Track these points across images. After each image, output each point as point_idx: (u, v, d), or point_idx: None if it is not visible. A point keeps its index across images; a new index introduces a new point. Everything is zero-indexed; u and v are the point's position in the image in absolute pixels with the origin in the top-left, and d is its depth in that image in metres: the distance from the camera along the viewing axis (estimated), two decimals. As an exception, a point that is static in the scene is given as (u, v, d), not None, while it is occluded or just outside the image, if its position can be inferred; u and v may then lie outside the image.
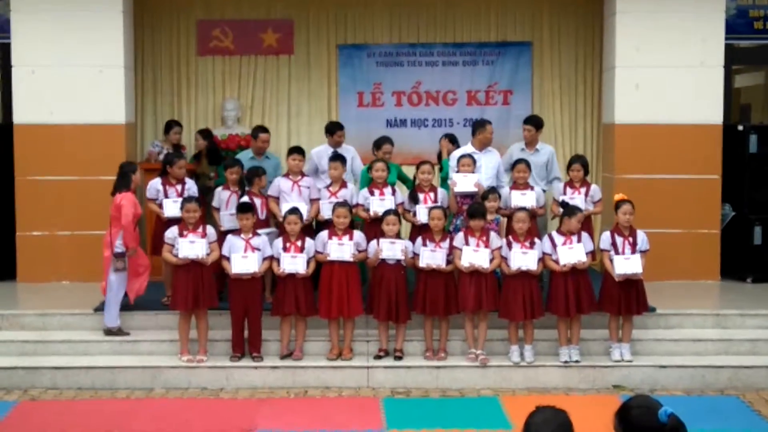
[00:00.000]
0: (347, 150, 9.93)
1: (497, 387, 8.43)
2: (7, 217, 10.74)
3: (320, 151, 9.96)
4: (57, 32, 10.52)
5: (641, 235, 8.58)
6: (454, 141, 10.11)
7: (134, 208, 8.90)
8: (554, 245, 8.49)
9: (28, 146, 10.55)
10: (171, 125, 10.99)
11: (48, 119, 10.54)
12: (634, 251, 8.46)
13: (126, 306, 9.04)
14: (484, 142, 9.51)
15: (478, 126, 9.59)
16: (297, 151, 9.35)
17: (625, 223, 8.53)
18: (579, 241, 8.47)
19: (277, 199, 9.20)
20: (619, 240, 8.51)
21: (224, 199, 9.16)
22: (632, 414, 3.59)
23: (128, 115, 10.79)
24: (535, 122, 9.93)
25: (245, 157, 9.95)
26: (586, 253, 8.46)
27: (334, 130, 9.99)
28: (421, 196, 9.09)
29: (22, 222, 10.65)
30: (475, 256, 8.40)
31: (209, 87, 12.15)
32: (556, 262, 8.45)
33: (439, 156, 10.22)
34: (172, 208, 8.95)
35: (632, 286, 8.47)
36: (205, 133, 10.86)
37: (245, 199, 9.01)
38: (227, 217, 9.06)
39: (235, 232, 8.69)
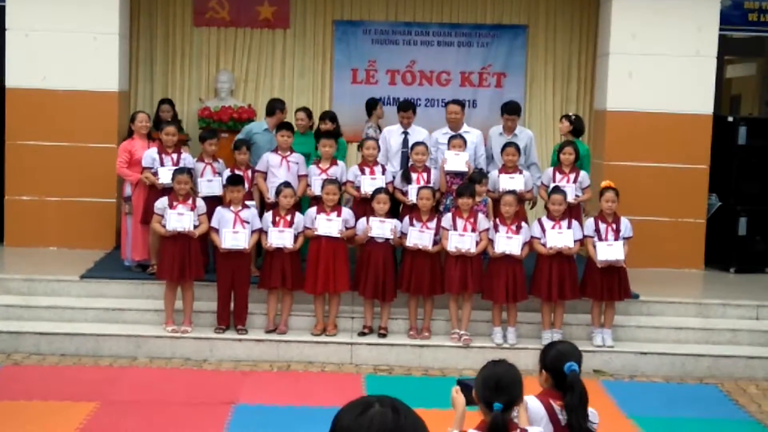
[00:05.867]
0: (420, 132, 9.55)
1: (479, 368, 8.43)
2: (-5, 180, 10.71)
3: (391, 131, 9.69)
4: (52, -3, 10.44)
5: (625, 222, 8.63)
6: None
7: (125, 153, 9.33)
8: (543, 229, 8.54)
9: (19, 110, 10.48)
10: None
11: (40, 84, 10.46)
12: (617, 238, 8.52)
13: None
14: (449, 122, 9.49)
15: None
16: (285, 127, 9.31)
17: (607, 211, 8.58)
18: (569, 227, 8.52)
19: (264, 174, 9.21)
20: (602, 226, 8.56)
21: (199, 170, 9.12)
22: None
23: (122, 83, 10.75)
24: (510, 109, 9.66)
25: (259, 128, 9.80)
26: (575, 241, 8.52)
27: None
28: (414, 176, 9.11)
29: (11, 186, 10.60)
30: (461, 240, 8.43)
31: (203, 58, 12.11)
32: (544, 246, 8.50)
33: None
34: (166, 175, 8.90)
35: (615, 272, 8.53)
36: (171, 103, 10.82)
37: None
38: (205, 184, 9.05)
39: (224, 203, 8.71)
